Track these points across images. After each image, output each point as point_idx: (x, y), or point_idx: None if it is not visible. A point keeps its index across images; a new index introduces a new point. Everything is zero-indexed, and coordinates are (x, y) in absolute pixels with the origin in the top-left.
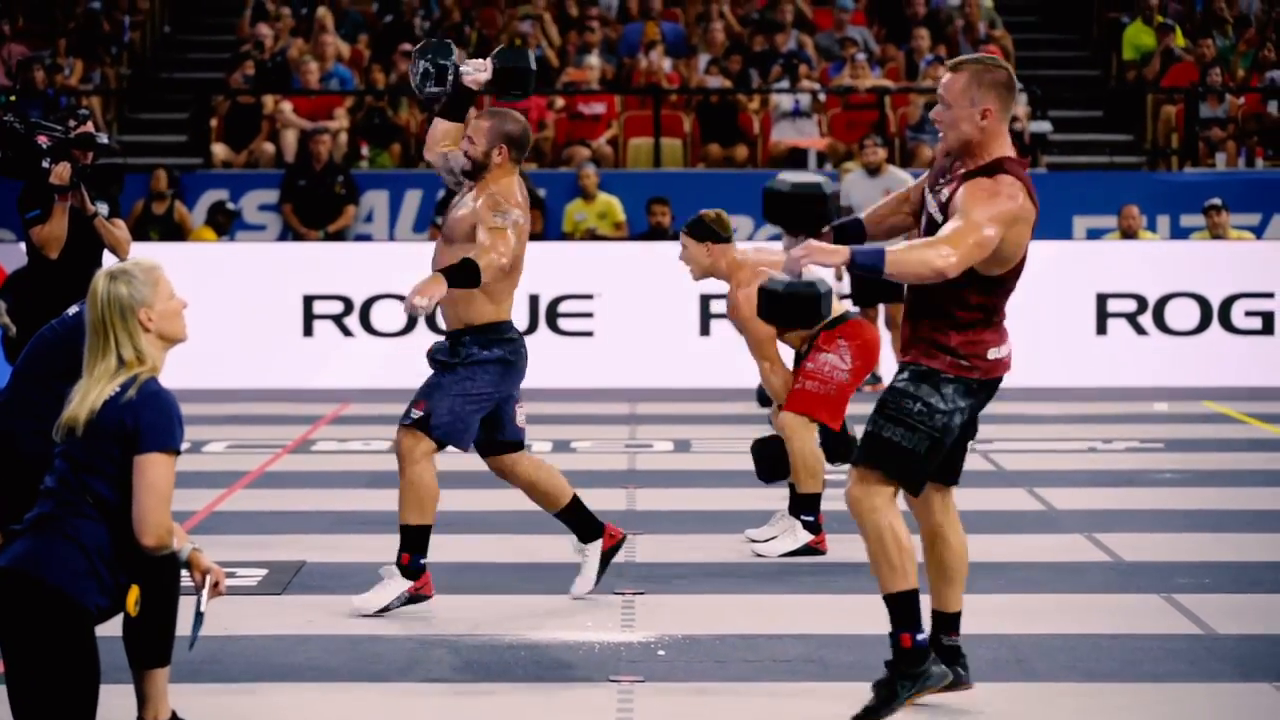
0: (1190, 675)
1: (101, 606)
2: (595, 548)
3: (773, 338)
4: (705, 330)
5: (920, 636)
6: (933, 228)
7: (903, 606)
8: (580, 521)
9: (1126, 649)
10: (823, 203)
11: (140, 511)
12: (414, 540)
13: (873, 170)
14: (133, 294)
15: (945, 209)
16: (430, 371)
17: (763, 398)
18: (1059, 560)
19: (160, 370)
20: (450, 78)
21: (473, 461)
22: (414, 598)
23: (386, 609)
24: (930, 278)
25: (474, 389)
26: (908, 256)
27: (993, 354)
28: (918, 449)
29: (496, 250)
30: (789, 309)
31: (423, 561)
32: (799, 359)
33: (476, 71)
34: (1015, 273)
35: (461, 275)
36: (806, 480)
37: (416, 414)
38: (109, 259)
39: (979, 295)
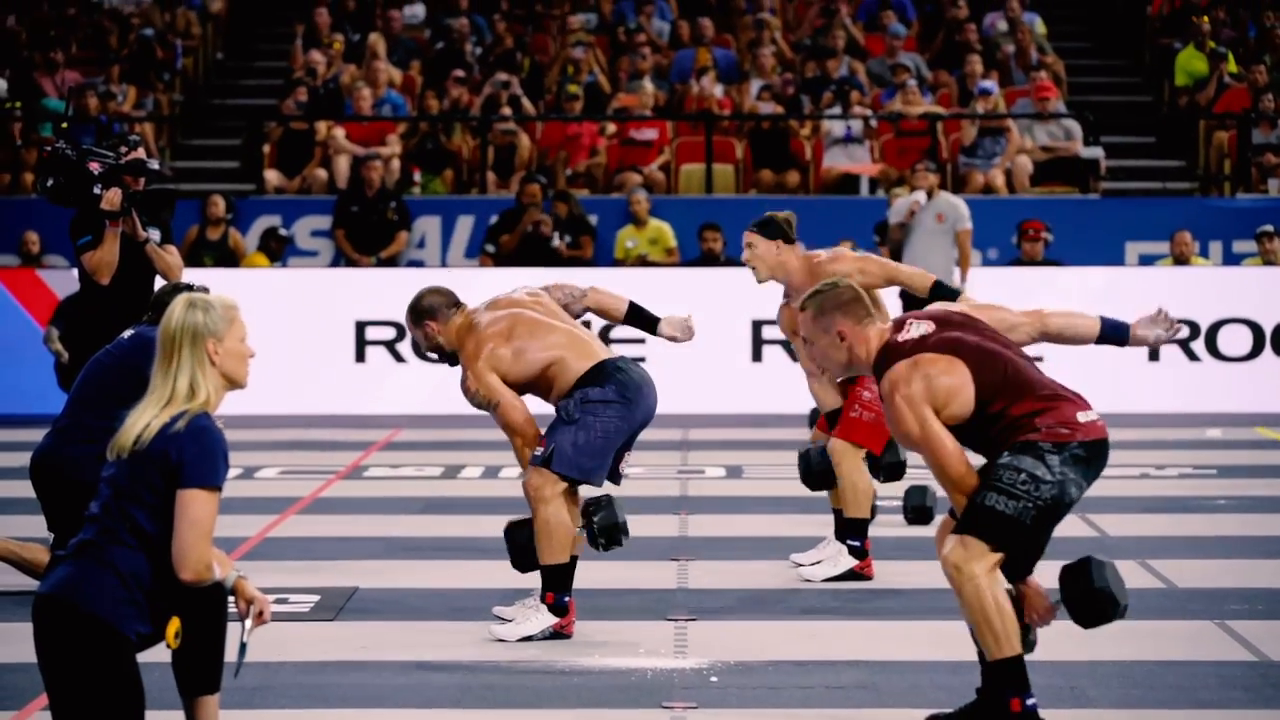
0: (1245, 702)
1: (142, 634)
2: (543, 618)
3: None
4: (757, 356)
5: (1030, 701)
6: None
7: (1008, 672)
8: (562, 581)
9: (1181, 676)
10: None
11: (180, 547)
12: (554, 579)
13: (926, 194)
14: (208, 323)
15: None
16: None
17: (814, 423)
18: None
19: (214, 408)
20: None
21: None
22: (557, 634)
23: (529, 638)
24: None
25: (597, 424)
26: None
27: (1082, 417)
28: (1022, 517)
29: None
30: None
31: (567, 599)
32: (849, 381)
33: None
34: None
35: None
36: (853, 506)
37: (540, 452)
38: (160, 285)
39: (1014, 417)
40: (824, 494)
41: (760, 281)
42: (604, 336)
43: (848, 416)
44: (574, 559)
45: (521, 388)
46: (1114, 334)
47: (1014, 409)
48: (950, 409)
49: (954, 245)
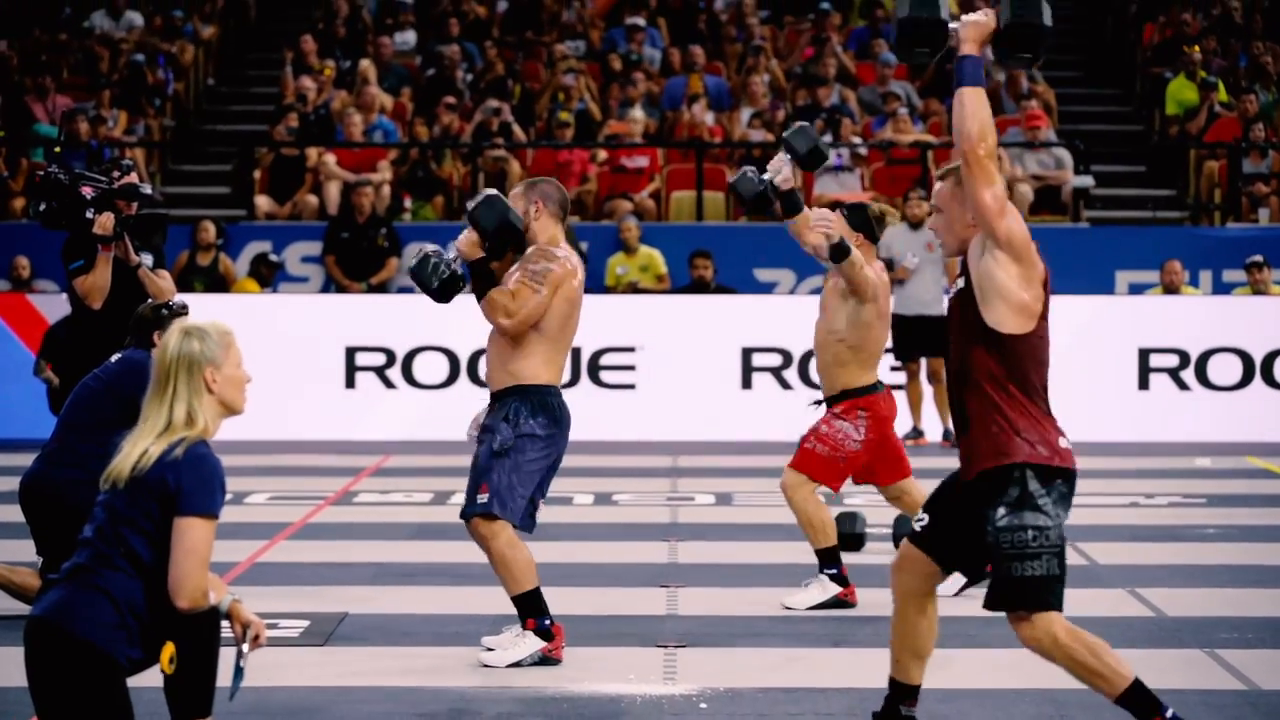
0: None
1: (134, 659)
2: (530, 643)
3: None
4: (747, 383)
5: (1170, 713)
6: (953, 311)
7: (1136, 698)
8: (536, 605)
9: (1170, 704)
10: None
11: (177, 574)
12: (527, 606)
13: (915, 224)
14: (204, 351)
15: (969, 285)
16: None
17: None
18: (1101, 615)
19: (212, 435)
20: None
21: None
22: (545, 659)
23: (518, 663)
24: (961, 128)
25: (524, 462)
26: (971, 108)
27: (1063, 443)
28: (1051, 571)
29: (515, 299)
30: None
31: (547, 623)
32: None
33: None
34: (1036, 343)
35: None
36: (816, 536)
37: (482, 499)
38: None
39: (1011, 377)
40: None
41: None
42: (594, 364)
43: (803, 448)
44: (536, 589)
45: (521, 331)
46: None
47: (1025, 382)
48: (1025, 289)
49: (944, 273)
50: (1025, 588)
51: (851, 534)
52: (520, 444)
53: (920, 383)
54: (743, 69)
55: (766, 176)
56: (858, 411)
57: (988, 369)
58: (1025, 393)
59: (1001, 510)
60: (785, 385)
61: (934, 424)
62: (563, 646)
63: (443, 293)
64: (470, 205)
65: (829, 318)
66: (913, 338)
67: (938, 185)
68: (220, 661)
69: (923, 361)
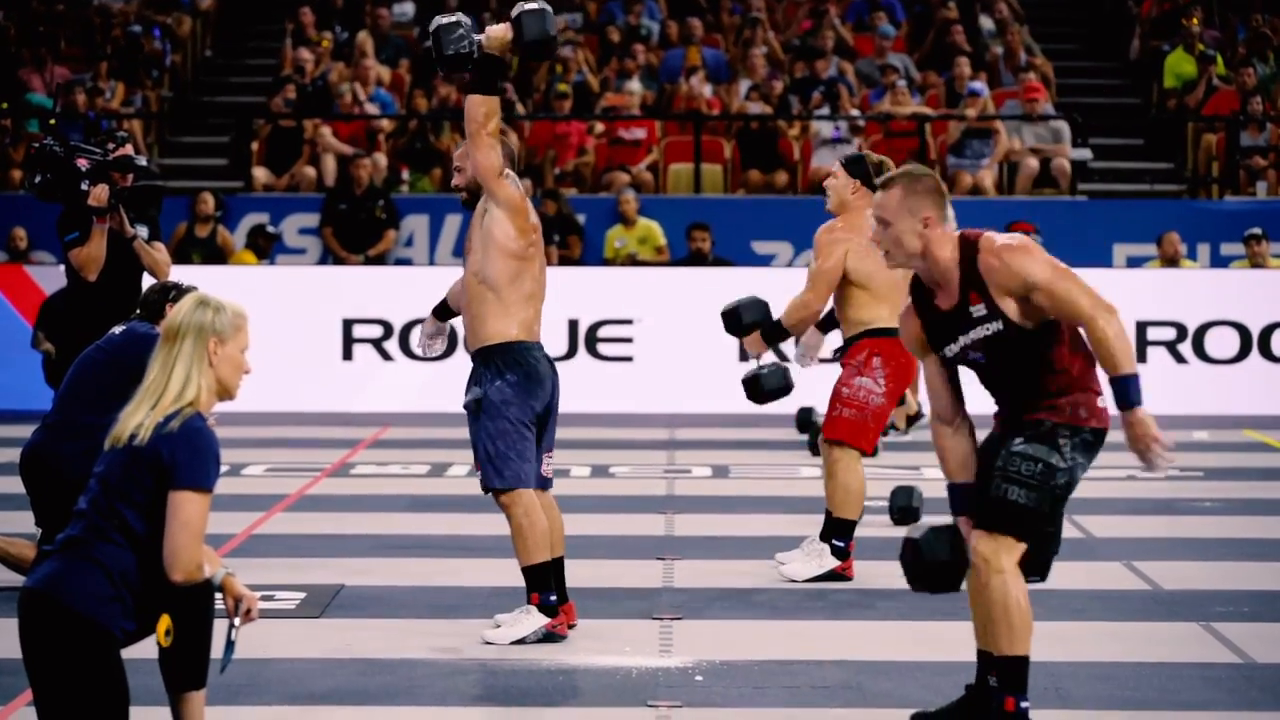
0: (1229, 704)
1: (128, 630)
2: (533, 620)
3: (831, 279)
4: (745, 355)
5: (1024, 704)
6: (994, 345)
7: (1014, 670)
8: (544, 580)
9: (1165, 677)
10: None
11: (171, 548)
12: (535, 580)
13: None
14: (215, 322)
15: (991, 315)
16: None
17: (802, 424)
18: (1098, 588)
19: (206, 409)
20: (472, 49)
21: None
22: (550, 635)
23: (522, 640)
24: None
25: (496, 429)
26: (1123, 347)
27: (1100, 402)
28: (1040, 508)
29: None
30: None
31: (553, 599)
32: (841, 373)
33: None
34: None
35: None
36: (843, 507)
37: (481, 477)
38: (148, 281)
39: (1073, 361)
40: (812, 494)
41: (829, 209)
42: (591, 337)
43: (830, 417)
44: (559, 560)
45: (498, 264)
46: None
47: (1074, 362)
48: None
49: None
50: (1007, 509)
51: (908, 507)
52: (491, 406)
53: None
54: (740, 41)
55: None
56: (874, 361)
57: (1049, 372)
58: (1082, 376)
59: (1020, 440)
60: (783, 358)
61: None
62: (566, 623)
63: (449, 62)
64: (525, 6)
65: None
66: None
67: (879, 196)
68: (215, 633)
69: None
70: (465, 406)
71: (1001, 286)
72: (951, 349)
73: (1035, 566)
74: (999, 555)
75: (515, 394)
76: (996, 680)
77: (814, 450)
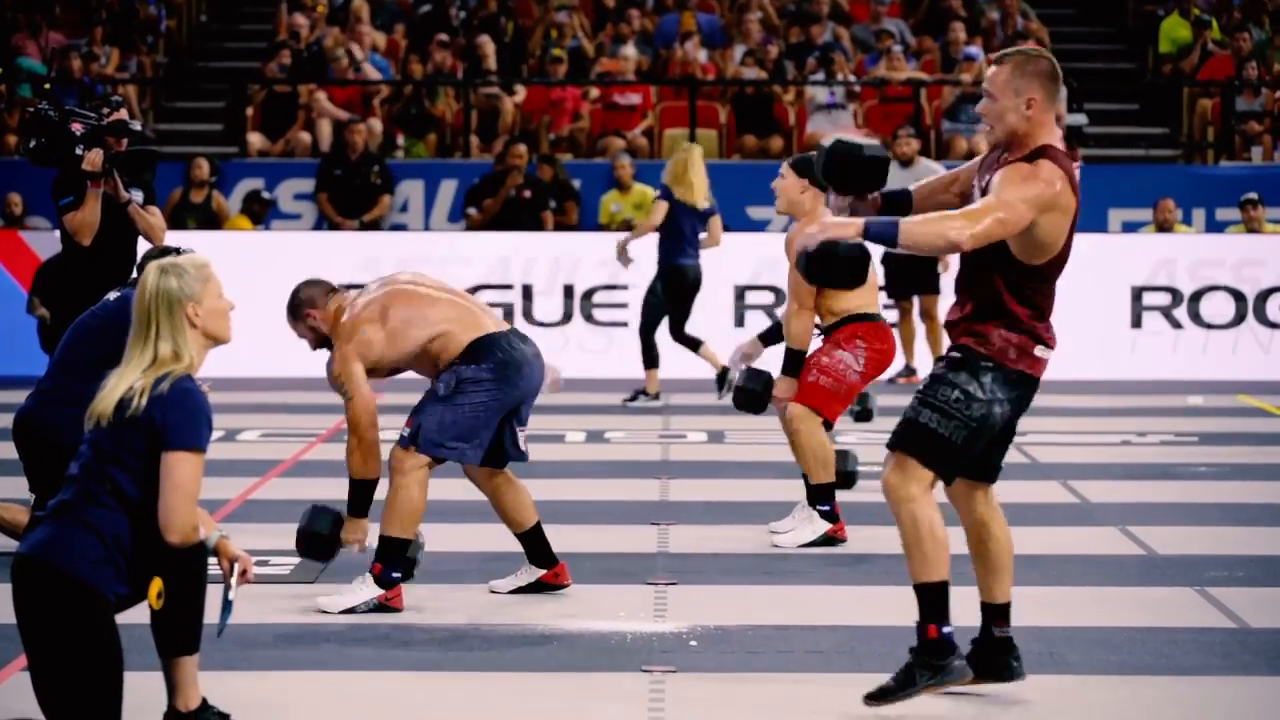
0: (1223, 668)
1: (121, 594)
2: (537, 572)
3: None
4: (739, 321)
5: (946, 630)
6: None
7: (931, 597)
8: (537, 548)
9: (1159, 642)
10: (886, 167)
11: (166, 510)
12: (388, 552)
13: (905, 162)
14: (182, 288)
15: (985, 193)
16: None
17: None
18: (1092, 553)
19: (197, 369)
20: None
21: None
22: (382, 606)
23: (351, 610)
24: (945, 249)
25: (467, 403)
26: (922, 228)
27: (1039, 351)
28: (954, 437)
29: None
30: (831, 267)
31: (396, 575)
32: (822, 344)
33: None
34: (1056, 265)
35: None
36: (818, 470)
37: (405, 431)
38: (143, 246)
39: (1024, 287)
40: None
41: (780, 211)
42: (586, 302)
43: (805, 381)
44: (538, 524)
45: (405, 364)
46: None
47: (1020, 307)
48: (1039, 236)
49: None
50: (916, 433)
51: (844, 471)
52: (463, 386)
53: (913, 321)
54: (735, 6)
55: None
56: (857, 341)
57: (1001, 288)
58: (1034, 311)
59: (942, 364)
60: (777, 322)
61: (926, 362)
62: (401, 596)
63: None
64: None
65: None
66: (905, 276)
67: (992, 69)
68: (208, 598)
69: (915, 300)
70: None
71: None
72: (974, 195)
73: (980, 474)
74: (906, 484)
75: (491, 378)
76: (918, 608)
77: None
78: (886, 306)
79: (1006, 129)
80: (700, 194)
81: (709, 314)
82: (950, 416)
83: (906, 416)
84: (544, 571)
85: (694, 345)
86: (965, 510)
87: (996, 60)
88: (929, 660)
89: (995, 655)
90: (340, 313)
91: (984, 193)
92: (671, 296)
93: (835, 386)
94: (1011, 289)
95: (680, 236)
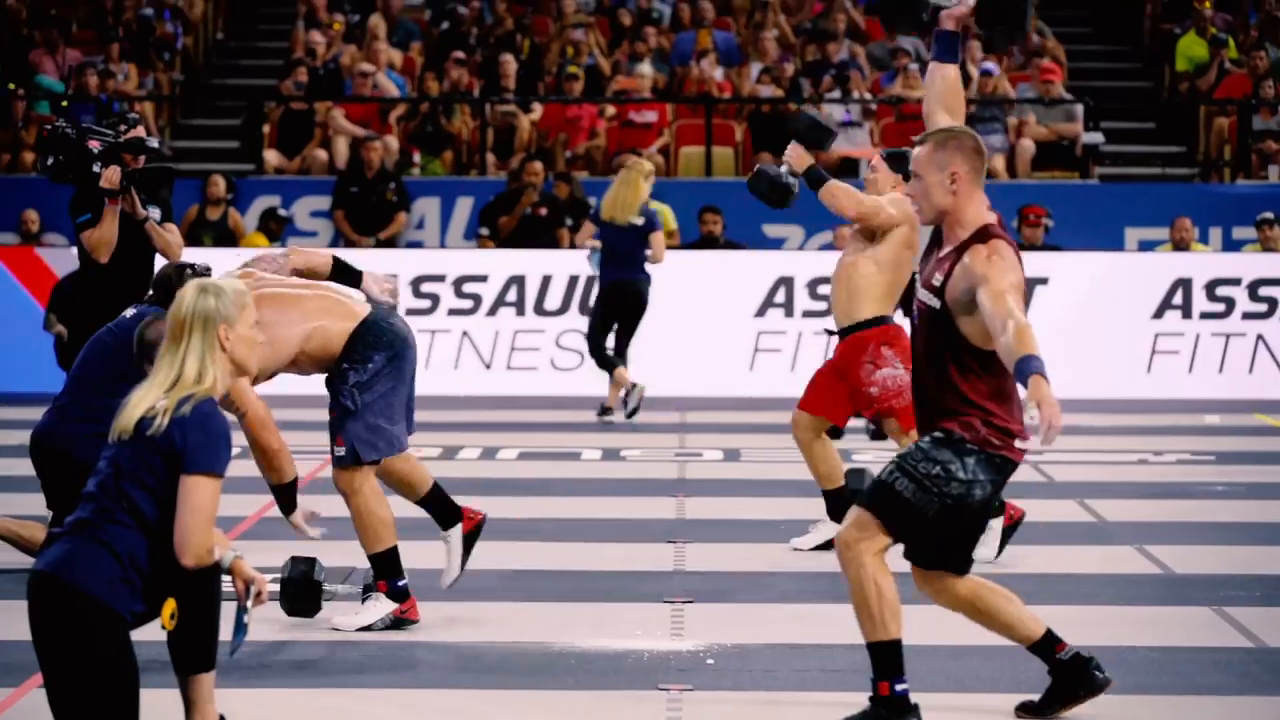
0: (1240, 688)
1: (136, 612)
2: (456, 533)
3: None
4: (757, 342)
5: (900, 686)
6: (926, 316)
7: (881, 656)
8: (439, 508)
9: (1176, 661)
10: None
11: (182, 532)
12: (383, 567)
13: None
14: (220, 308)
15: (940, 291)
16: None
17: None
18: (1109, 572)
19: (219, 394)
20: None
21: (513, 469)
22: (399, 621)
23: (369, 628)
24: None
25: (376, 402)
26: (1024, 339)
27: (1019, 444)
28: (925, 510)
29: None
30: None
31: (402, 584)
32: (840, 364)
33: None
34: None
35: None
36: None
37: (340, 451)
38: (160, 263)
39: (987, 380)
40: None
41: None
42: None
43: (887, 411)
44: (394, 548)
45: (284, 367)
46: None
47: (988, 394)
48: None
49: None
50: (889, 498)
51: (859, 490)
52: (364, 390)
53: None
54: (751, 24)
55: (782, 168)
56: (883, 352)
57: (965, 367)
58: (996, 400)
59: (927, 440)
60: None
61: None
62: (416, 606)
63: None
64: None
65: (858, 240)
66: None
67: (915, 150)
68: (223, 617)
69: None
70: (341, 403)
71: (961, 277)
72: (918, 289)
73: (924, 561)
74: (859, 546)
75: (386, 365)
76: (872, 667)
77: (873, 435)
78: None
79: (934, 206)
80: (622, 210)
81: (724, 331)
82: (926, 491)
83: (880, 479)
84: (460, 524)
85: (608, 365)
86: (950, 600)
87: (918, 140)
88: (886, 716)
89: (1076, 674)
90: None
91: (938, 292)
92: (595, 312)
93: (905, 400)
94: (972, 380)
95: (610, 254)
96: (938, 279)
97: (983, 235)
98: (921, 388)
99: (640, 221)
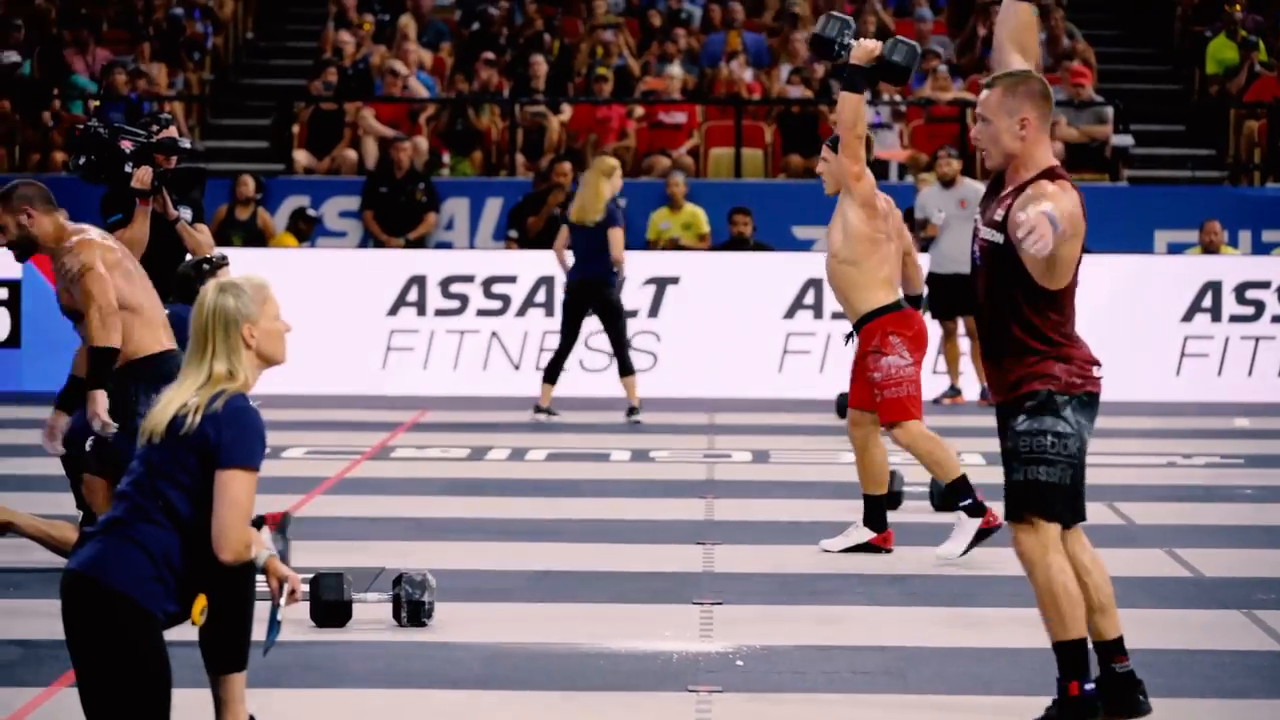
0: (1271, 692)
1: (170, 612)
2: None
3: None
4: (786, 343)
5: (1089, 686)
6: (989, 252)
7: (1071, 655)
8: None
9: (1207, 665)
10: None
11: (220, 527)
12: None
13: (947, 182)
14: (240, 307)
15: (1002, 226)
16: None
17: (841, 408)
18: (1139, 575)
19: (251, 388)
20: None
21: (542, 470)
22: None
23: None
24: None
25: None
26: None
27: (1095, 371)
28: (1063, 480)
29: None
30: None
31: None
32: (859, 358)
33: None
34: (1071, 291)
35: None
36: (941, 471)
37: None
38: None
39: (1048, 314)
40: (854, 478)
41: (830, 194)
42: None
43: (880, 403)
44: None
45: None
46: None
47: (1056, 335)
48: (1061, 261)
49: None
50: (1034, 492)
51: (891, 491)
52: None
53: (957, 341)
54: (782, 26)
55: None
56: (890, 338)
57: (1026, 311)
58: (1063, 329)
59: (1022, 416)
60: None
61: (972, 382)
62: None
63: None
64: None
65: (830, 245)
66: (949, 296)
67: (984, 94)
68: (256, 615)
69: (959, 321)
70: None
71: (1022, 206)
72: (979, 227)
73: (1082, 510)
74: (1040, 543)
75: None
76: (1058, 666)
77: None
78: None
79: (1002, 151)
80: (584, 210)
81: (753, 333)
82: (1054, 463)
83: (1013, 480)
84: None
85: (552, 376)
86: (1074, 562)
87: (987, 84)
88: (1075, 716)
89: (1123, 692)
90: (64, 231)
91: (999, 226)
92: (562, 314)
93: (902, 390)
94: (1039, 316)
95: (579, 255)
96: (999, 214)
97: (1050, 174)
98: (988, 327)
99: (602, 218)
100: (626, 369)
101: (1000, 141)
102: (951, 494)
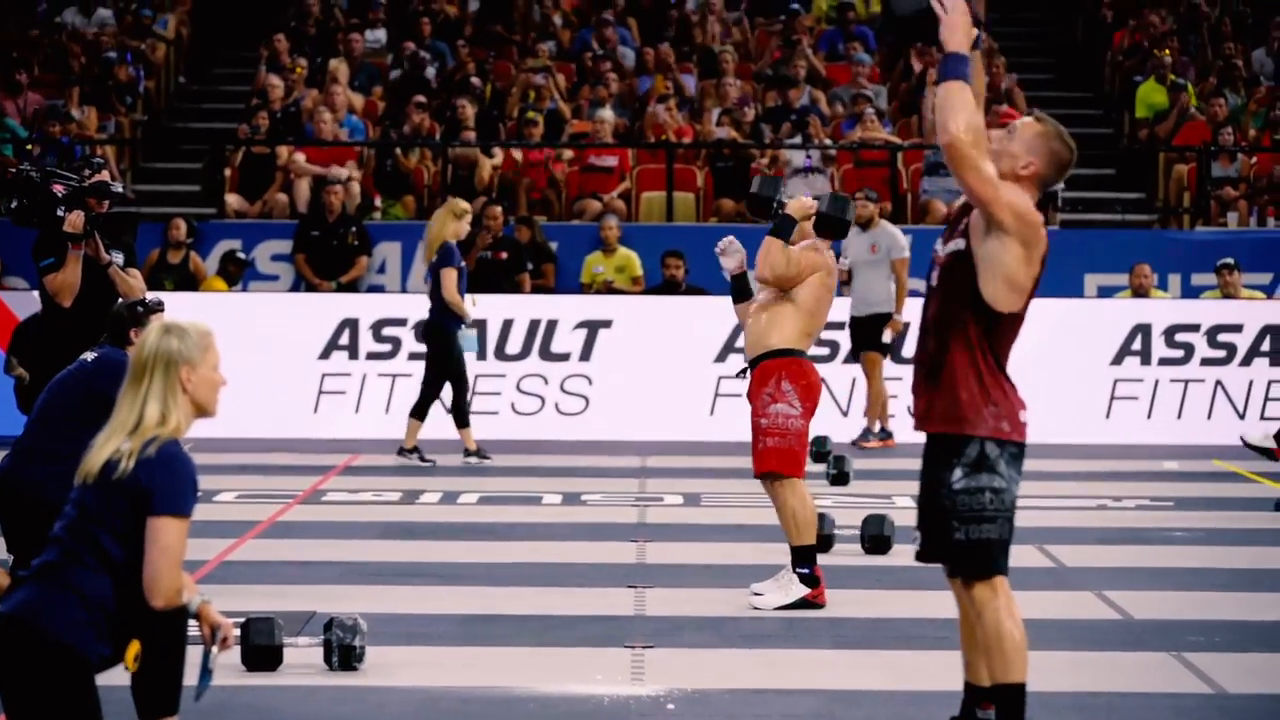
0: None
1: (103, 655)
2: None
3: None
4: (718, 386)
5: None
6: (947, 266)
7: (1009, 698)
8: None
9: (1137, 707)
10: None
11: (152, 573)
12: None
13: (862, 225)
14: (182, 350)
15: (967, 230)
16: None
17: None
18: (1069, 617)
19: (184, 434)
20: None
21: (474, 514)
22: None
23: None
24: (941, 128)
25: None
26: (958, 97)
27: (1023, 416)
28: (1004, 535)
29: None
30: None
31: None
32: (753, 405)
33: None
34: (1018, 320)
35: None
36: (799, 533)
37: None
38: None
39: (995, 345)
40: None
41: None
42: (562, 363)
43: (756, 450)
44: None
45: None
46: None
47: (988, 370)
48: (1019, 274)
49: (890, 275)
50: (979, 551)
51: (879, 535)
52: None
53: (881, 382)
54: (712, 71)
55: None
56: (783, 387)
57: (970, 335)
58: (999, 364)
59: (959, 473)
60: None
61: (902, 424)
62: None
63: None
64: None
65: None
66: (866, 335)
67: (1027, 119)
68: (187, 661)
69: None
70: None
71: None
72: (937, 247)
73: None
74: (996, 595)
75: None
76: (995, 710)
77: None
78: (846, 362)
79: (999, 168)
80: (428, 249)
81: (685, 376)
82: (994, 519)
83: (956, 540)
84: None
85: (417, 410)
86: (962, 594)
87: (1037, 117)
88: None
89: None
90: None
91: (961, 234)
92: None
93: (784, 442)
94: (982, 341)
95: (430, 294)
96: (963, 224)
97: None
98: (929, 353)
99: (434, 259)
100: (417, 413)
101: (1002, 159)
102: (799, 556)
